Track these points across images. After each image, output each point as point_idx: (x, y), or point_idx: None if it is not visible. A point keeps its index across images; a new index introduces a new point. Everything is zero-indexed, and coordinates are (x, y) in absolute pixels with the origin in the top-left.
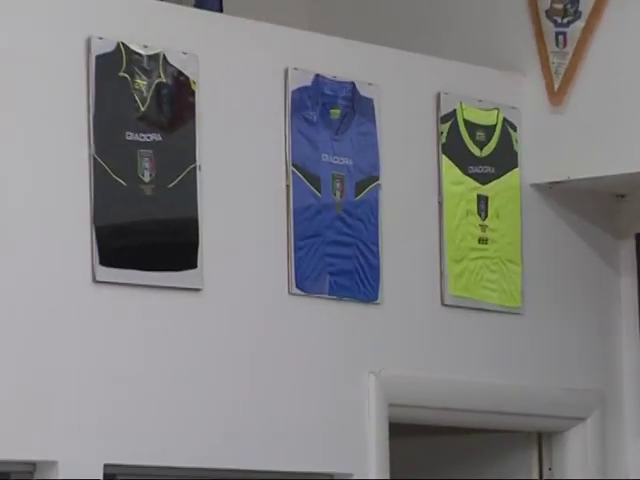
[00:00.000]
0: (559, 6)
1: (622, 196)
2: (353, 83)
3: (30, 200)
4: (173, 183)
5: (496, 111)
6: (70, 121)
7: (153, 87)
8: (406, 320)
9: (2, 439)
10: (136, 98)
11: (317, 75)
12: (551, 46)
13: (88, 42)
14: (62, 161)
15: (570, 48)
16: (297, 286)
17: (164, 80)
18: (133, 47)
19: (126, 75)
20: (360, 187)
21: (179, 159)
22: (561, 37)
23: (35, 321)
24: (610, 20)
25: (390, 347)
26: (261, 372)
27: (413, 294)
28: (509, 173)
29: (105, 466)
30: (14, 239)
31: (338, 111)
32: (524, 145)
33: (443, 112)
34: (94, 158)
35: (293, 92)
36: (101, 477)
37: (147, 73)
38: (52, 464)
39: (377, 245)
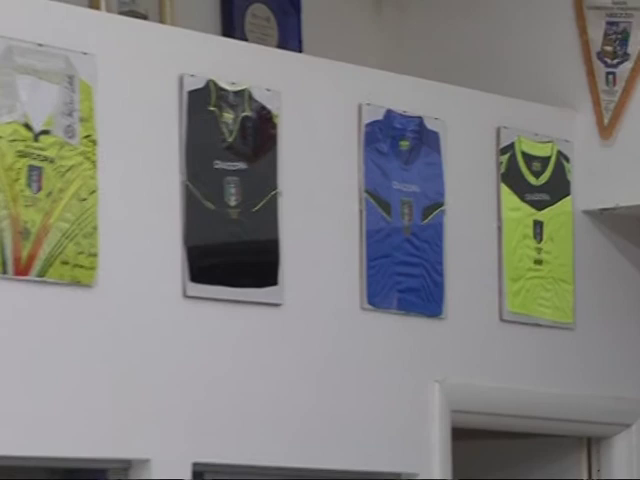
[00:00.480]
0: (609, 48)
1: None
2: (421, 118)
3: (128, 222)
4: (257, 207)
5: (551, 144)
6: (164, 151)
7: (239, 120)
8: (468, 333)
9: (100, 439)
10: (223, 130)
11: (388, 110)
12: (602, 85)
13: (181, 79)
14: (156, 187)
15: (619, 87)
16: (368, 302)
17: (249, 114)
18: (221, 84)
19: (215, 109)
20: (426, 212)
21: (262, 185)
22: (611, 77)
23: (132, 331)
24: None
25: (453, 358)
26: (335, 379)
27: (474, 310)
28: (562, 200)
29: (194, 464)
30: (114, 257)
31: (407, 143)
32: (576, 175)
33: (503, 144)
34: (185, 185)
35: (366, 125)
36: (190, 475)
37: (234, 108)
38: (145, 462)
39: (441, 265)
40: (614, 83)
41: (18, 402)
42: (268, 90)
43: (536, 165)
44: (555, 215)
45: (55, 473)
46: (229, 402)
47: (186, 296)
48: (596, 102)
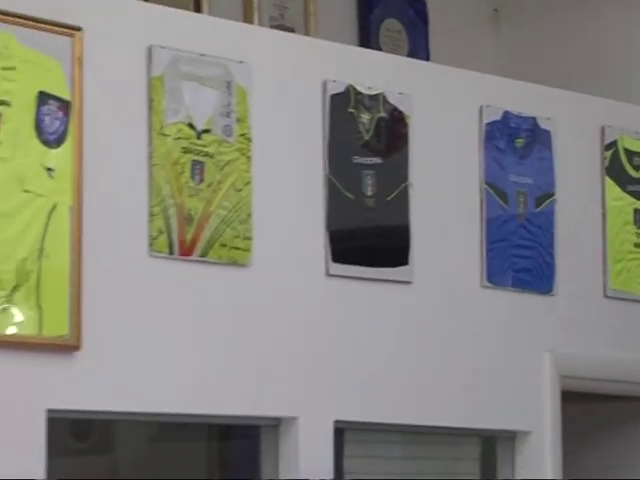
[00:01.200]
0: None
1: None
2: (534, 118)
3: (278, 210)
4: (390, 197)
5: None
6: (309, 147)
7: (375, 120)
8: (575, 308)
9: (254, 399)
10: (361, 129)
11: (505, 111)
12: None
13: (324, 84)
14: (302, 179)
15: None
16: (488, 280)
17: (383, 115)
18: (359, 88)
19: (353, 111)
20: (539, 201)
21: (395, 178)
22: None
23: (282, 304)
24: None
25: (562, 330)
26: (460, 347)
27: (581, 287)
28: None
29: (335, 422)
30: (266, 240)
31: (522, 140)
32: None
33: (607, 141)
34: (328, 177)
35: (486, 125)
36: (332, 432)
37: (370, 109)
38: (293, 420)
39: (552, 248)
40: None
41: (185, 366)
42: (400, 94)
43: (637, 160)
44: None
45: (213, 429)
46: (367, 366)
47: (329, 274)
48: None
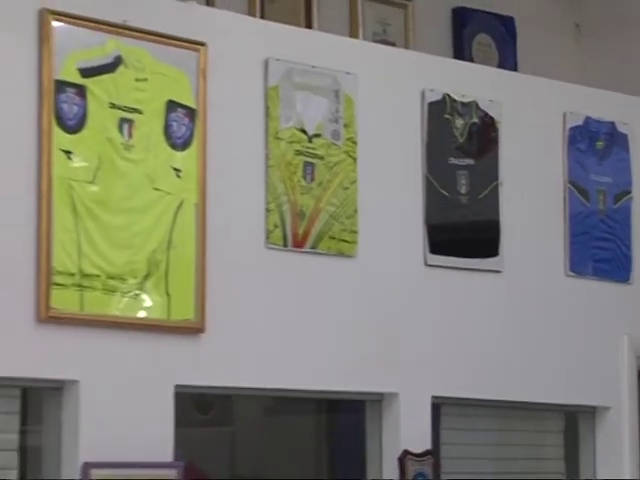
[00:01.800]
0: None
1: None
2: (613, 123)
3: (380, 206)
4: (482, 195)
5: None
6: (409, 150)
7: (468, 125)
8: None
9: (359, 376)
10: (455, 134)
11: (587, 117)
12: None
13: (422, 93)
14: (403, 178)
15: None
16: (571, 269)
17: (475, 120)
18: (454, 97)
19: (449, 117)
20: (617, 198)
21: (486, 177)
22: None
23: (384, 291)
24: None
25: (639, 315)
26: (545, 331)
27: None
28: None
29: (433, 397)
30: (370, 233)
31: (602, 143)
32: None
33: None
34: (426, 177)
35: (569, 129)
36: (429, 406)
37: (463, 115)
38: (395, 395)
39: (629, 240)
40: None
41: (296, 346)
42: (491, 101)
43: None
44: None
45: (323, 403)
46: (461, 347)
47: (427, 264)
48: None
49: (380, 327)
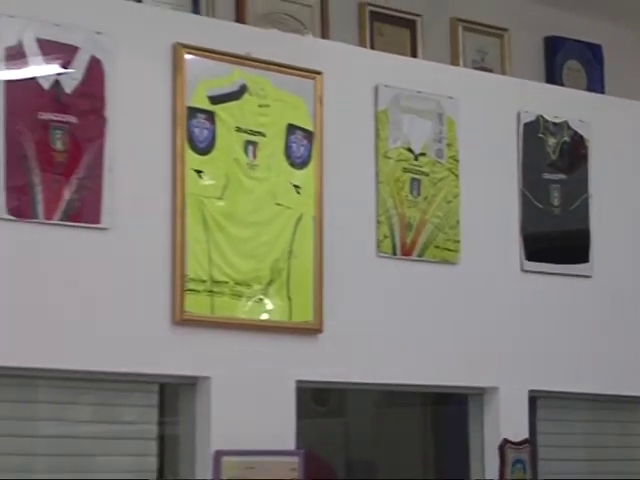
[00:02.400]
0: None
1: None
2: None
3: (481, 217)
4: (573, 206)
5: None
6: (506, 166)
7: (560, 144)
8: None
9: (463, 371)
10: (548, 151)
11: None
12: None
13: (518, 115)
14: (500, 192)
15: None
16: None
17: (567, 139)
18: (547, 117)
19: (542, 136)
20: None
21: (577, 190)
22: None
23: (485, 294)
24: None
25: None
26: (631, 330)
27: None
28: None
29: (530, 391)
30: (472, 243)
31: None
32: None
33: None
34: (522, 191)
35: None
36: (527, 399)
37: (555, 135)
38: (495, 389)
39: None
40: None
41: (405, 344)
42: (580, 121)
43: None
44: None
45: (429, 396)
46: (556, 345)
47: (523, 270)
48: None
49: (481, 327)
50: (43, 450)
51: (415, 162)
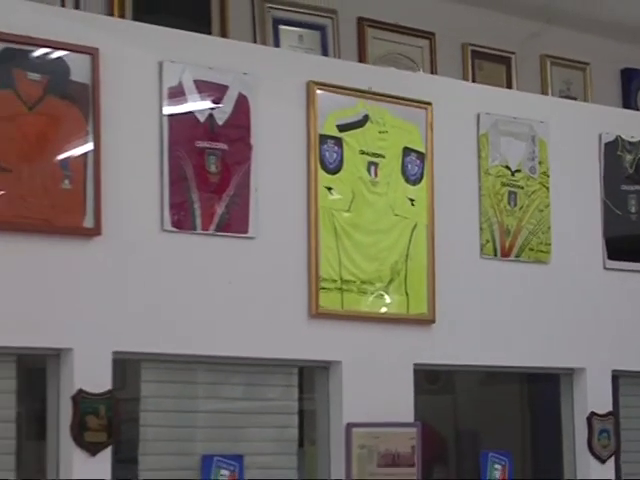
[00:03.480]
0: None
1: None
2: None
3: (567, 224)
4: None
5: None
6: (589, 179)
7: (636, 160)
8: None
9: (555, 354)
10: (626, 166)
11: None
12: None
13: (600, 136)
14: (585, 202)
15: None
16: None
17: None
18: (625, 137)
19: (620, 153)
20: None
21: None
22: None
23: (571, 289)
24: None
25: None
26: None
27: None
28: None
29: (612, 371)
30: (563, 246)
31: None
32: None
33: None
34: (603, 200)
35: None
36: (610, 378)
37: (631, 152)
38: (582, 370)
39: None
40: None
41: (505, 332)
42: None
43: None
44: None
45: (524, 376)
46: (635, 330)
47: (605, 268)
48: None
49: (570, 317)
50: (202, 423)
51: (512, 177)
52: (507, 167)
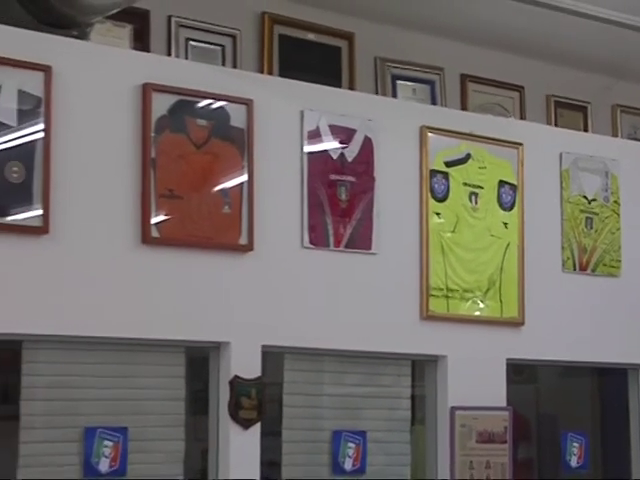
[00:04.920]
0: None
1: None
2: None
3: (636, 244)
4: None
5: None
6: None
7: None
8: None
9: (622, 352)
10: None
11: None
12: None
13: None
14: None
15: None
16: None
17: None
18: None
19: None
20: None
21: None
22: None
23: (634, 301)
24: None
25: None
26: None
27: None
28: None
29: None
30: (629, 262)
31: None
32: None
33: None
34: None
35: None
36: None
37: None
38: None
39: None
40: None
41: (583, 331)
42: None
43: None
44: None
45: (596, 370)
46: None
47: None
48: None
49: (636, 321)
50: (331, 405)
51: (588, 205)
52: (585, 197)
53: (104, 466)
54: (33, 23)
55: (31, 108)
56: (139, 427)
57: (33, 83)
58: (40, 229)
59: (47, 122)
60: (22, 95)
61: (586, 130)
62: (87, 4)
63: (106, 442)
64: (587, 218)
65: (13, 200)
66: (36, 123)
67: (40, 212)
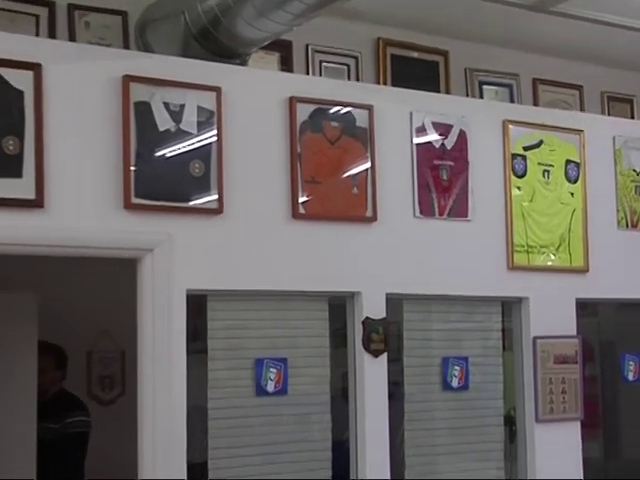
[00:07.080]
0: None
1: None
2: None
3: None
4: None
5: None
6: None
7: None
8: None
9: None
10: None
11: None
12: None
13: None
14: None
15: None
16: None
17: None
18: None
19: None
20: None
21: None
22: None
23: None
24: None
25: None
26: None
27: None
28: None
29: None
30: None
31: None
32: None
33: None
34: None
35: None
36: None
37: None
38: None
39: None
40: None
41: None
42: None
43: None
44: None
45: None
46: None
47: None
48: None
49: None
50: (438, 337)
51: (637, 177)
52: (634, 170)
53: (270, 387)
54: (206, 55)
55: (207, 119)
56: (295, 357)
57: (208, 101)
58: (216, 210)
59: (219, 129)
60: (200, 110)
61: (633, 117)
62: (246, 38)
63: (271, 369)
64: (636, 187)
65: (196, 190)
66: (211, 130)
67: (216, 197)
